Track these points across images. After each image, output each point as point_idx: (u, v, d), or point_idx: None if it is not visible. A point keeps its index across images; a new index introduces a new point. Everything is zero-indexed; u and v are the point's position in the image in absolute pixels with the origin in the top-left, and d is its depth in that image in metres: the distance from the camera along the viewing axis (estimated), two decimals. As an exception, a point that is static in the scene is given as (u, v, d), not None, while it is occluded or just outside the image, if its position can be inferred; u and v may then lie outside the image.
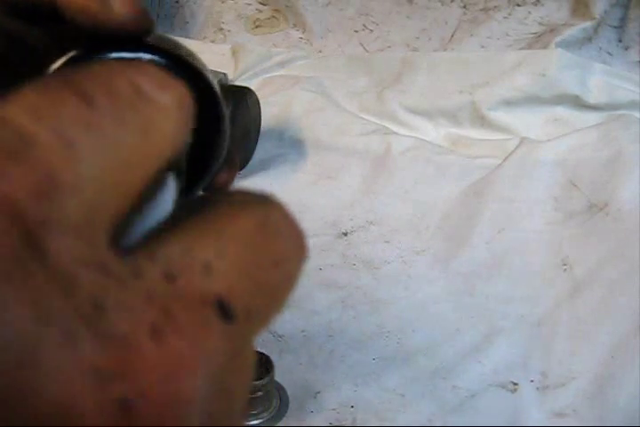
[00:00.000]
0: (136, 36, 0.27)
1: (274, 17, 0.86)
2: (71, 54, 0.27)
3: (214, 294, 0.13)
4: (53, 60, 0.27)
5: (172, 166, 0.17)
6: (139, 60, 0.14)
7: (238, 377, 0.14)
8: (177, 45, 0.29)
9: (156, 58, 0.27)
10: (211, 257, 0.14)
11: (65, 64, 0.27)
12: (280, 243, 0.16)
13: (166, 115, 0.14)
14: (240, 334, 0.14)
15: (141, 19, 0.26)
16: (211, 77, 0.29)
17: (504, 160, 0.67)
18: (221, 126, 0.29)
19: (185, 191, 0.30)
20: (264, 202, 0.16)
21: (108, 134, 0.13)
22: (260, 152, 0.69)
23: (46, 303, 0.11)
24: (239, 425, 0.15)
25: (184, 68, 0.28)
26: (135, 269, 0.13)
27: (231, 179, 0.35)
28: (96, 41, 0.27)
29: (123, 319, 0.12)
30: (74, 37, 0.28)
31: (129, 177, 0.13)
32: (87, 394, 0.11)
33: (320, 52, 0.84)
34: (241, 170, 0.66)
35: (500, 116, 0.74)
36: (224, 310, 0.13)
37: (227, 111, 0.30)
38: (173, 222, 0.15)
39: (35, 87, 0.13)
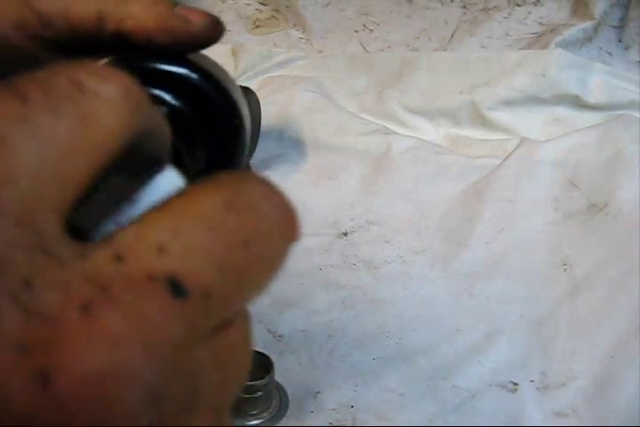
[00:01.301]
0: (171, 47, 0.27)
1: (274, 17, 0.86)
2: (104, 61, 0.27)
3: (165, 273, 0.13)
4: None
5: (161, 159, 0.16)
6: (82, 59, 0.15)
7: (208, 362, 0.14)
8: (199, 54, 0.30)
9: (183, 70, 0.27)
10: (167, 238, 0.13)
11: None
12: (254, 221, 0.15)
13: (109, 106, 0.14)
14: (198, 312, 0.13)
15: (217, 27, 0.27)
16: (236, 92, 0.29)
17: (504, 160, 0.67)
18: (242, 139, 0.30)
19: None
20: (242, 178, 0.15)
21: (43, 127, 0.13)
22: (260, 152, 0.69)
23: None
24: (204, 416, 0.14)
25: (209, 80, 0.28)
26: (82, 251, 0.13)
27: None
28: (128, 51, 0.28)
29: (52, 296, 0.12)
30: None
31: (70, 167, 0.13)
32: (9, 365, 0.11)
33: (320, 52, 0.84)
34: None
35: (500, 116, 0.74)
36: (175, 287, 0.13)
37: (249, 124, 0.30)
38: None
39: None
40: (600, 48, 0.79)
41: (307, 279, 0.56)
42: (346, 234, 0.62)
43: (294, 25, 0.85)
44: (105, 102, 0.14)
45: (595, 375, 0.48)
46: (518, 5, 0.80)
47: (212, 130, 0.29)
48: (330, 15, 0.83)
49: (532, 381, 0.48)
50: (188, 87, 0.28)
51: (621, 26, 0.79)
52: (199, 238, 0.14)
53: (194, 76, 0.28)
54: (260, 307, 0.53)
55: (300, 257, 0.58)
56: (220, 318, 0.14)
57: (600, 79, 0.75)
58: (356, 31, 0.83)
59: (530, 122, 0.74)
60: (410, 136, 0.72)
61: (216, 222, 0.14)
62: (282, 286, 0.55)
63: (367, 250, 0.60)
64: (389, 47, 0.83)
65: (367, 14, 0.83)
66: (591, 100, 0.74)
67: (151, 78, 0.27)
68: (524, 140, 0.69)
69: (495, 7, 0.80)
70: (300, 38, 0.85)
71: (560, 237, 0.60)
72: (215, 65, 0.30)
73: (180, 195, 0.15)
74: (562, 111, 0.74)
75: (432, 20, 0.82)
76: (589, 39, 0.79)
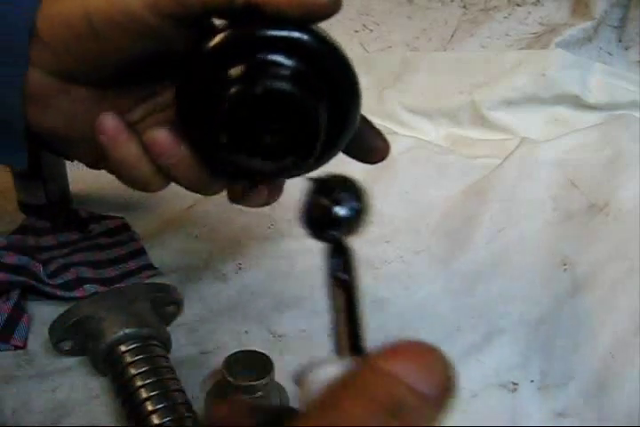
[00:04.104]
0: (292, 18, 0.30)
1: (274, 17, 0.86)
2: (226, 33, 0.31)
3: None
4: (209, 38, 0.31)
5: None
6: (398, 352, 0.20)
7: None
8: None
9: (304, 36, 0.31)
10: None
11: (222, 41, 0.31)
12: None
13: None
14: None
15: (338, 1, 0.31)
16: (340, 45, 0.33)
17: (504, 160, 0.67)
18: (357, 93, 0.34)
19: (326, 152, 0.35)
20: None
21: None
22: (260, 152, 0.69)
23: None
24: None
25: (324, 44, 0.31)
26: None
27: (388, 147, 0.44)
28: (243, 20, 0.31)
29: None
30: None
31: None
32: None
33: (320, 52, 0.84)
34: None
35: (500, 116, 0.74)
36: None
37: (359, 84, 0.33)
38: None
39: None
40: (600, 48, 0.79)
41: (307, 279, 0.56)
42: (346, 234, 0.62)
43: (294, 25, 0.85)
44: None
45: (595, 375, 0.48)
46: (518, 5, 0.80)
47: (333, 89, 0.32)
48: (330, 15, 0.83)
49: (532, 381, 0.48)
50: (307, 50, 0.31)
51: (621, 26, 0.79)
52: None
53: (313, 40, 0.31)
54: (261, 307, 0.53)
55: (299, 257, 0.58)
56: None
57: (600, 79, 0.75)
58: (356, 31, 0.83)
59: (530, 122, 0.74)
60: (410, 136, 0.72)
61: None
62: (282, 286, 0.55)
63: (367, 250, 0.60)
64: (389, 47, 0.83)
65: (367, 14, 0.83)
66: (591, 100, 0.74)
67: (274, 45, 0.31)
68: (523, 140, 0.69)
69: (495, 7, 0.80)
70: (300, 38, 0.85)
71: (560, 237, 0.60)
72: (325, 31, 0.33)
73: None
74: (562, 111, 0.74)
75: (432, 20, 0.82)
76: (589, 39, 0.79)
